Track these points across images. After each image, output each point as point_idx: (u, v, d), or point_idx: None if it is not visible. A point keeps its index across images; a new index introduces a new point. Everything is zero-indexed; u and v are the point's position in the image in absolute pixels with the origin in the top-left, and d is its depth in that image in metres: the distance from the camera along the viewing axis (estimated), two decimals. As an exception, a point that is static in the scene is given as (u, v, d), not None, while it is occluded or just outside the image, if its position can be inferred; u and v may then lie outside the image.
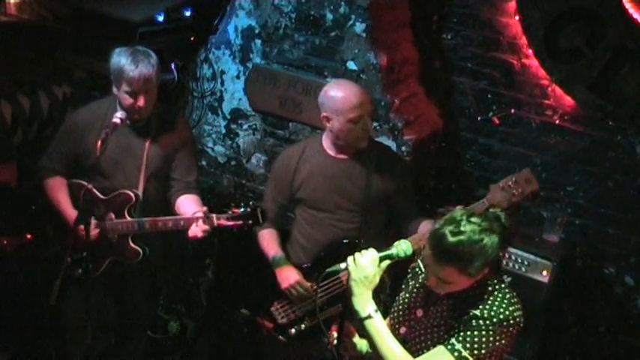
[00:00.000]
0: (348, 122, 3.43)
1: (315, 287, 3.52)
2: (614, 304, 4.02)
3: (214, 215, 3.36)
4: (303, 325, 3.62)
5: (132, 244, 3.61)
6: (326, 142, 3.61)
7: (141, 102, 3.48)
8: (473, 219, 2.39)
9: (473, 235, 2.35)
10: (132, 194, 3.59)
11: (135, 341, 4.19)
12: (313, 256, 3.62)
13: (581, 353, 4.13)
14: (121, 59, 3.47)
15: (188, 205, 3.61)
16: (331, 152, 3.59)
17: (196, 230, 3.38)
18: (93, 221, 3.54)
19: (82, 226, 3.38)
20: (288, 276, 3.57)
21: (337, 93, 3.46)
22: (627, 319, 4.00)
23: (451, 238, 2.36)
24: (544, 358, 4.00)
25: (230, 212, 3.34)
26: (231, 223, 3.34)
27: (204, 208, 3.40)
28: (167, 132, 3.70)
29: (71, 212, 3.64)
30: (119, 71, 3.46)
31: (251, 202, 3.44)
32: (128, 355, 4.18)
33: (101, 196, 3.62)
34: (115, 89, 3.54)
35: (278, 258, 3.62)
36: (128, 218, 3.59)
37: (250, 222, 3.32)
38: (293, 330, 3.63)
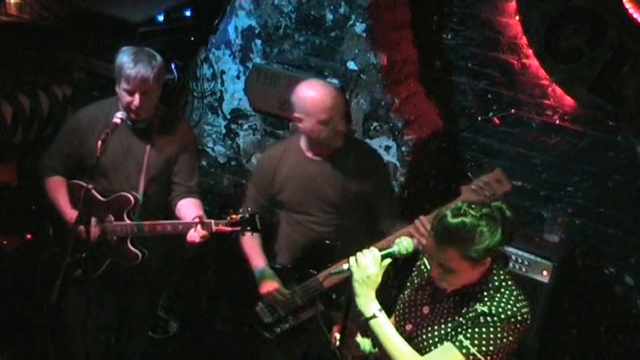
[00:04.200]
0: (318, 124, 3.41)
1: (295, 290, 3.57)
2: (614, 304, 4.02)
3: (212, 221, 3.38)
4: (287, 325, 3.65)
5: (130, 247, 3.61)
6: (303, 143, 3.58)
7: (136, 101, 3.47)
8: (474, 206, 2.42)
9: (474, 219, 2.38)
10: (131, 197, 3.58)
11: (135, 342, 4.19)
12: (292, 258, 3.63)
13: (581, 353, 4.13)
14: (123, 57, 3.48)
15: (189, 209, 3.61)
16: (308, 154, 3.57)
17: (194, 235, 3.39)
18: (93, 220, 3.54)
19: (82, 227, 3.38)
20: (268, 284, 3.59)
21: (307, 94, 3.43)
22: (627, 319, 4.00)
23: (452, 219, 2.39)
24: (544, 358, 4.01)
25: (228, 218, 3.36)
26: (229, 228, 3.36)
27: (200, 213, 3.45)
28: (169, 135, 3.69)
29: (70, 212, 3.63)
30: (119, 68, 3.47)
31: (249, 208, 3.46)
32: (128, 356, 4.18)
33: (101, 198, 3.62)
34: (116, 87, 3.54)
35: (260, 270, 3.63)
36: (127, 221, 3.59)
37: (248, 228, 3.34)
38: (279, 329, 3.67)
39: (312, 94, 3.43)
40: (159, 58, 3.54)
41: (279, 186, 3.62)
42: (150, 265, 3.74)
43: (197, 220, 3.39)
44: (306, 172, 3.57)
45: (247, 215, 3.35)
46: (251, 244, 3.69)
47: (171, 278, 4.65)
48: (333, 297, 3.48)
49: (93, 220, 3.54)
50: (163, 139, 3.67)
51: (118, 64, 3.48)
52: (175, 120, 3.82)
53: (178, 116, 3.87)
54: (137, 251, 3.61)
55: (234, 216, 3.37)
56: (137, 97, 3.46)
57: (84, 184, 3.56)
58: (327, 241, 3.50)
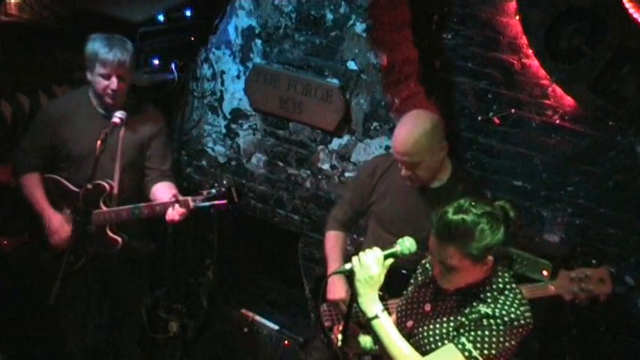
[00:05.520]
0: (405, 166, 3.29)
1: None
2: (614, 304, 4.02)
3: (189, 198, 3.39)
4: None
5: (110, 234, 3.63)
6: None
7: (114, 84, 3.52)
8: (476, 203, 2.41)
9: (475, 216, 2.37)
10: (106, 185, 3.61)
11: (127, 334, 4.20)
12: None
13: (581, 353, 4.12)
14: (95, 43, 3.54)
15: (163, 191, 3.64)
16: None
17: (173, 214, 3.41)
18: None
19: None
20: (336, 290, 3.50)
21: (397, 128, 3.31)
22: (627, 319, 4.00)
23: (452, 215, 2.39)
24: (544, 358, 4.00)
25: (205, 193, 3.35)
26: (207, 204, 3.35)
27: (176, 192, 3.46)
28: (140, 122, 3.73)
29: (49, 210, 3.70)
30: (93, 54, 3.52)
31: (225, 182, 3.45)
32: (122, 348, 4.20)
33: (75, 189, 3.64)
34: (88, 75, 3.59)
35: (333, 274, 3.48)
36: (104, 208, 3.60)
37: (226, 202, 3.32)
38: (333, 336, 3.59)
39: (397, 130, 3.29)
40: (130, 43, 3.59)
41: (377, 196, 3.53)
42: (132, 251, 3.76)
43: (173, 199, 3.40)
44: (406, 196, 3.44)
45: (223, 189, 3.33)
46: (332, 244, 3.64)
47: (161, 270, 4.66)
48: None
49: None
50: (135, 126, 3.71)
51: (90, 51, 3.53)
52: (145, 106, 3.85)
53: (148, 102, 3.89)
54: (117, 237, 3.63)
55: (209, 191, 3.36)
56: (114, 80, 3.52)
57: (71, 186, 3.65)
58: (404, 271, 3.13)
